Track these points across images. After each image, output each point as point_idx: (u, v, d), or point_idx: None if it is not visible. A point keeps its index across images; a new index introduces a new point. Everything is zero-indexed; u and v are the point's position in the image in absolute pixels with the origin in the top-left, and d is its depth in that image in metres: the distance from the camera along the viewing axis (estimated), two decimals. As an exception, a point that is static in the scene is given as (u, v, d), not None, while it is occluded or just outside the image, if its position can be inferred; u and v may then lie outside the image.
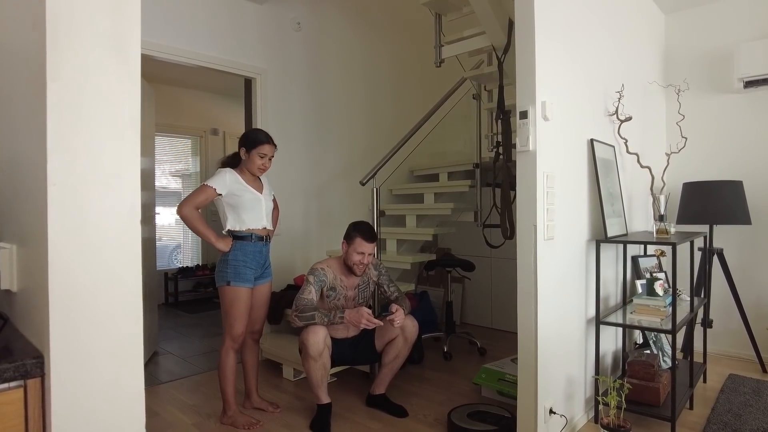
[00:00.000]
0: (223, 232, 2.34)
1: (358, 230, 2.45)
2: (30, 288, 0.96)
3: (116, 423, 0.89)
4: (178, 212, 2.21)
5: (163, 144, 5.83)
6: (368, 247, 2.43)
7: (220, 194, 2.26)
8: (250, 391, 2.53)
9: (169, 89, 5.60)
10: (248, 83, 3.42)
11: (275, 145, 2.38)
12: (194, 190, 2.25)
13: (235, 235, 2.32)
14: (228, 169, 2.32)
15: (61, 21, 0.83)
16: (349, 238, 2.47)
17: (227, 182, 2.27)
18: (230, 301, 2.28)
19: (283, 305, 3.18)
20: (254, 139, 2.32)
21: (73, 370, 0.85)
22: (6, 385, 0.82)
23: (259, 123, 3.37)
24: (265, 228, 2.39)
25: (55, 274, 0.83)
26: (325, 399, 2.37)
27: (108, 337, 0.89)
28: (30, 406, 0.83)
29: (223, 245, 2.28)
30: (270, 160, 2.36)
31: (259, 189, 2.39)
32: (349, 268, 2.48)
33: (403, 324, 2.42)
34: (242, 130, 4.20)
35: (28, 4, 0.91)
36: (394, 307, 2.41)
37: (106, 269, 0.89)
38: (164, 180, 5.98)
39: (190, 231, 5.99)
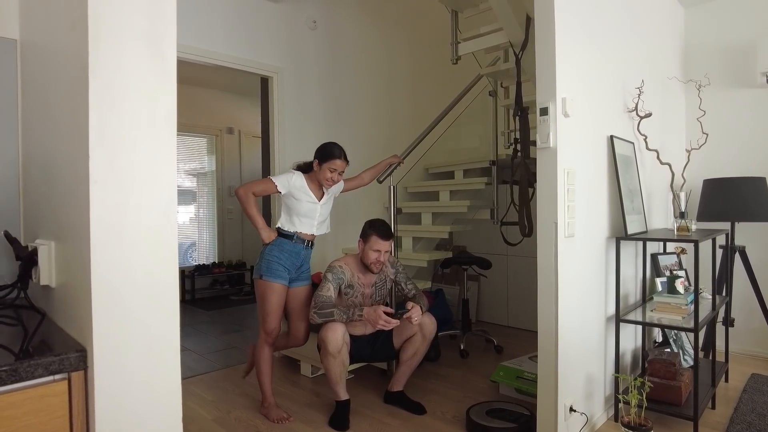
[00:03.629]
0: (276, 227, 2.45)
1: (374, 228, 2.46)
2: (70, 283, 0.98)
3: (155, 415, 0.91)
4: (237, 192, 2.34)
5: (178, 143, 5.88)
6: (384, 245, 2.44)
7: (280, 192, 2.36)
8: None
9: (185, 88, 5.65)
10: (264, 82, 3.44)
11: (347, 161, 2.44)
12: (258, 179, 2.40)
13: (281, 232, 2.41)
14: (297, 173, 2.42)
15: (102, 21, 0.85)
16: (365, 236, 2.48)
17: (290, 184, 2.37)
18: (262, 294, 2.37)
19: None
20: (329, 153, 2.39)
21: (114, 364, 0.87)
22: (51, 377, 0.84)
23: (276, 122, 3.39)
24: (312, 234, 2.47)
25: (97, 270, 0.85)
26: (343, 395, 2.38)
27: (146, 331, 0.91)
28: (74, 398, 0.85)
29: (266, 235, 2.38)
30: (340, 174, 2.43)
31: (320, 197, 2.46)
32: (366, 266, 2.49)
33: (422, 321, 2.42)
34: (258, 130, 4.22)
35: (68, 6, 0.93)
36: (409, 304, 2.41)
37: (144, 264, 0.91)
38: (179, 179, 6.05)
39: (205, 230, 6.16)
